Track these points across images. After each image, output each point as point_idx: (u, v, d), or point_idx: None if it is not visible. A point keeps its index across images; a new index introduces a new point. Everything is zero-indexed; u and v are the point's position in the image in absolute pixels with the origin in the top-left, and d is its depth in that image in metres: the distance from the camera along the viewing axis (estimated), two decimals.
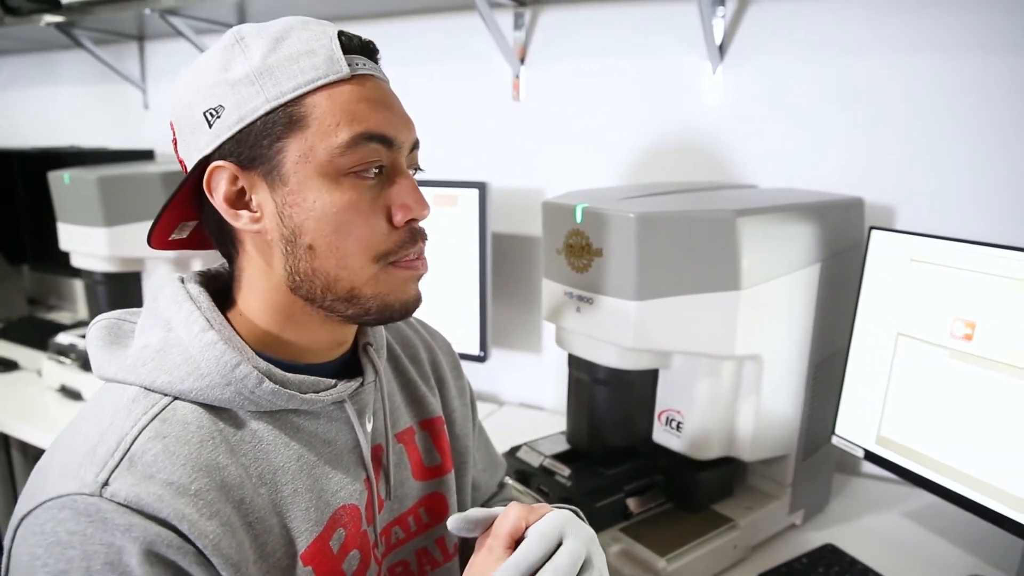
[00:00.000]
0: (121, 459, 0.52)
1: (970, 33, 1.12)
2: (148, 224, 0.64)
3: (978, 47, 1.11)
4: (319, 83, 0.57)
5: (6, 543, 0.53)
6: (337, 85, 0.57)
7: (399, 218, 0.60)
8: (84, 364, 1.54)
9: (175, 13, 1.63)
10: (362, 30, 0.62)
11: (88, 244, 1.51)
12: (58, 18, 1.77)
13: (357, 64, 0.59)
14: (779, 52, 1.26)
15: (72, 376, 1.55)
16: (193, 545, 0.51)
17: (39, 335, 1.88)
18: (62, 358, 1.58)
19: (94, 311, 1.64)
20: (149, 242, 0.65)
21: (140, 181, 1.50)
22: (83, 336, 1.60)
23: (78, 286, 2.30)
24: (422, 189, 0.63)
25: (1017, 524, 0.81)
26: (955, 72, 1.14)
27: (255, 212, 0.59)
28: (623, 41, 1.39)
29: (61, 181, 1.52)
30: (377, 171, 0.59)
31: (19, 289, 2.26)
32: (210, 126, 0.57)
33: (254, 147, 0.57)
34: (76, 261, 1.57)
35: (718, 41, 1.29)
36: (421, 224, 0.62)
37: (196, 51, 1.79)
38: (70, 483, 0.50)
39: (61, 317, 2.20)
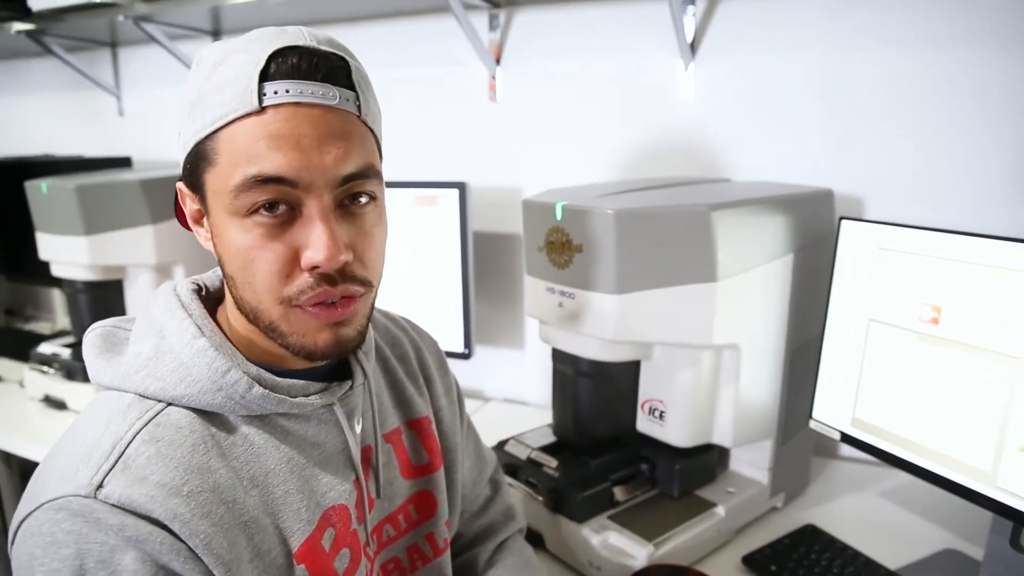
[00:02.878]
0: (115, 462, 0.53)
1: (937, 28, 1.15)
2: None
3: (945, 42, 1.15)
4: (229, 118, 0.54)
5: (9, 547, 0.55)
6: (246, 119, 0.54)
7: (303, 263, 0.56)
8: (68, 374, 1.54)
9: (149, 20, 1.62)
10: (337, 34, 0.59)
11: (69, 253, 1.49)
12: (28, 26, 1.75)
13: (275, 93, 0.53)
14: (749, 49, 1.29)
15: (56, 386, 1.54)
16: (185, 544, 0.52)
17: (18, 346, 1.87)
18: (45, 368, 1.57)
19: (76, 320, 1.63)
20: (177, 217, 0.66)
21: (119, 189, 1.49)
22: (66, 346, 1.60)
23: (56, 295, 2.28)
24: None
25: (985, 497, 0.84)
26: (921, 66, 1.17)
27: (207, 232, 0.61)
28: (596, 40, 1.41)
29: (39, 191, 1.51)
30: (288, 207, 0.55)
31: None
32: (180, 147, 0.60)
33: (192, 175, 0.59)
34: (57, 271, 1.56)
35: (689, 39, 1.32)
36: (351, 265, 0.57)
37: (170, 57, 1.79)
38: (67, 486, 0.52)
39: (40, 327, 2.17)
